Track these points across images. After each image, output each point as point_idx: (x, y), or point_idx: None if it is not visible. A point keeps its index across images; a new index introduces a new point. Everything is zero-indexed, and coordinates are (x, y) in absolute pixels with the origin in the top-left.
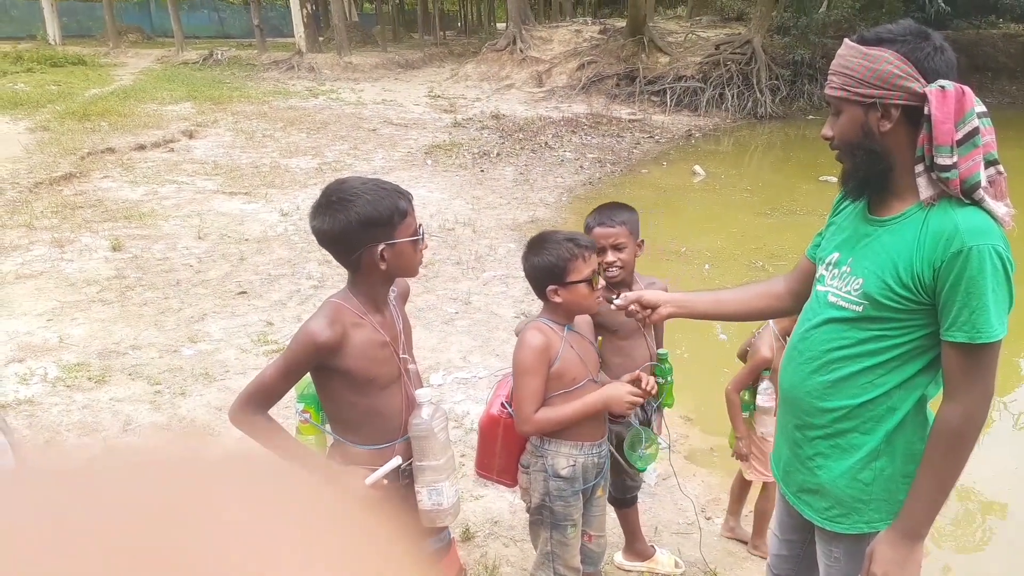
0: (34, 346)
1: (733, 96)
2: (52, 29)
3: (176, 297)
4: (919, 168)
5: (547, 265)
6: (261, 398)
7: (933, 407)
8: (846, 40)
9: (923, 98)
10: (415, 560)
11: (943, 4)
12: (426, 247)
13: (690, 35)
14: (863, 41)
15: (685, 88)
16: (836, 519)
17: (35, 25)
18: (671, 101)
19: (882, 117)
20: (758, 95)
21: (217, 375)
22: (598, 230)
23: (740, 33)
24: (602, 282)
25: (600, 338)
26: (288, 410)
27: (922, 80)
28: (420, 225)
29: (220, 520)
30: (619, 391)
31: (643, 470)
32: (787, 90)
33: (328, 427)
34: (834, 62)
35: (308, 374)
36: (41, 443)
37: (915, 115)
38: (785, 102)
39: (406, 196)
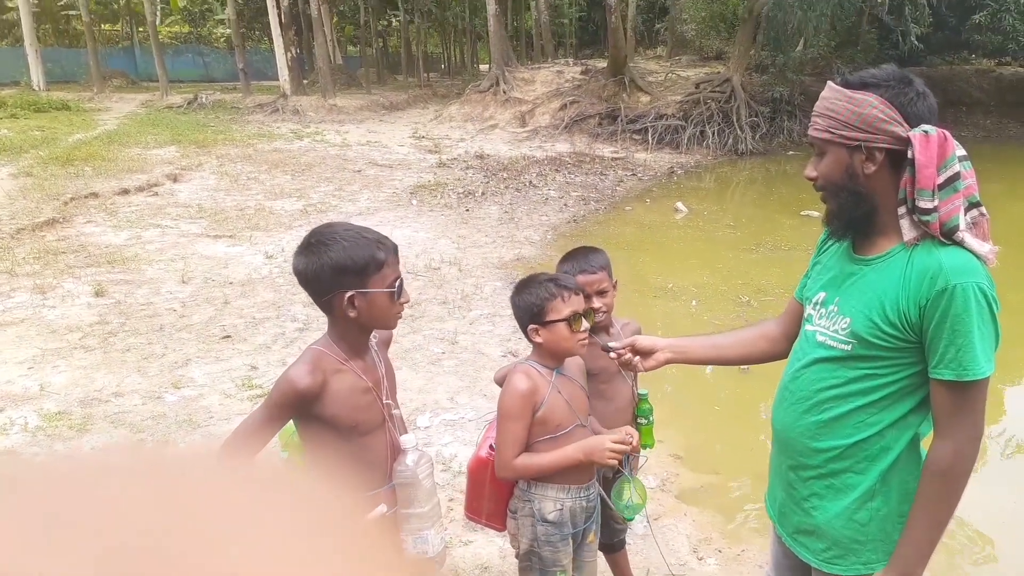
0: (14, 395)
1: (714, 133)
2: (36, 75)
3: (159, 342)
4: (902, 210)
5: (527, 304)
6: (244, 447)
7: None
8: (829, 83)
9: (907, 142)
10: (406, 561)
11: (916, 42)
12: (407, 302)
13: (670, 74)
14: (847, 85)
15: (666, 126)
16: (833, 560)
17: (19, 71)
18: (653, 139)
19: (866, 159)
20: (738, 132)
21: (201, 421)
22: (581, 278)
23: (719, 72)
24: (585, 324)
25: None
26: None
27: (905, 125)
28: (399, 280)
29: (216, 521)
30: (601, 443)
31: (631, 519)
32: (767, 127)
33: None
34: (818, 104)
35: (292, 421)
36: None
37: (898, 158)
38: (765, 138)
39: (388, 248)
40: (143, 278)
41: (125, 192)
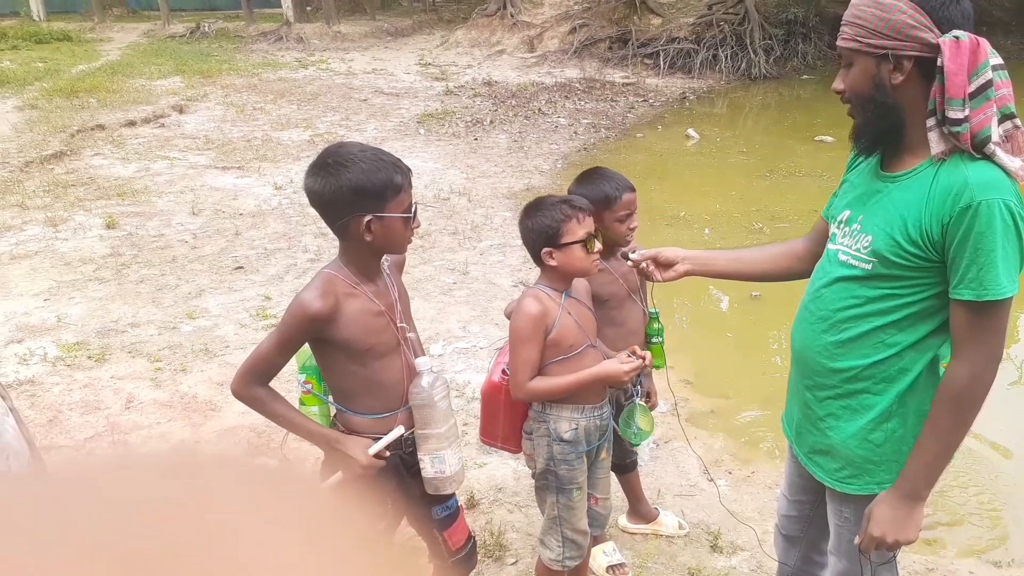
0: (32, 326)
1: (727, 57)
2: (36, 5)
3: (173, 274)
4: (931, 122)
5: (541, 228)
6: (260, 371)
7: None
8: None
9: (936, 49)
10: (398, 560)
11: None
12: (418, 226)
13: None
14: None
15: (678, 50)
16: (847, 480)
17: (18, 1)
18: (664, 64)
19: (894, 69)
20: (752, 56)
21: (217, 351)
22: (628, 195)
23: None
24: (598, 245)
25: None
26: (291, 382)
27: (936, 31)
28: (415, 204)
29: (213, 523)
30: (614, 368)
31: (638, 445)
32: (781, 50)
33: (330, 397)
34: (847, 12)
35: (308, 345)
36: (45, 422)
37: (928, 67)
38: (779, 62)
39: (404, 171)
40: (153, 210)
41: (131, 124)
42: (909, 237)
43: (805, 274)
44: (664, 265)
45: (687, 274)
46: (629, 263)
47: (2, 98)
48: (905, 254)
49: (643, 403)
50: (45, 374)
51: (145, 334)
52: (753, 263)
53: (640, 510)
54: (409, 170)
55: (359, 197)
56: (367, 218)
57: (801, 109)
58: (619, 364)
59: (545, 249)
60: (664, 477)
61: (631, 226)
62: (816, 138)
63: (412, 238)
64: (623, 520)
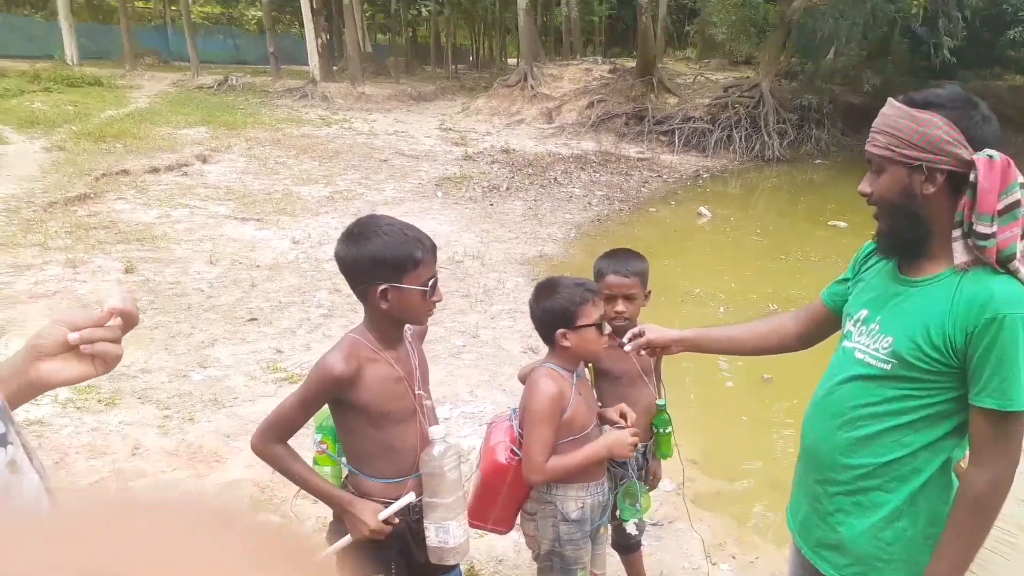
0: None
1: (741, 138)
2: (70, 50)
3: (187, 321)
4: (956, 233)
5: (558, 309)
6: (280, 428)
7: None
8: (891, 100)
9: (969, 165)
10: None
11: (949, 55)
12: (439, 299)
13: (699, 77)
14: (911, 103)
15: (693, 129)
16: None
17: (53, 45)
18: (679, 141)
19: (926, 180)
20: (766, 138)
21: (226, 401)
22: (612, 278)
23: (748, 77)
24: (608, 328)
25: (601, 384)
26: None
27: (969, 147)
28: (433, 278)
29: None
30: (620, 436)
31: (626, 520)
32: (794, 134)
33: (344, 459)
34: (878, 120)
35: (327, 406)
36: (51, 463)
37: (957, 181)
38: (792, 146)
39: (427, 247)
40: (172, 257)
41: (155, 170)
42: (931, 342)
43: (793, 350)
44: (656, 348)
45: (680, 352)
46: (627, 350)
47: (31, 139)
48: (926, 358)
49: (641, 483)
50: (55, 415)
51: (156, 380)
52: (742, 343)
53: None
54: (433, 246)
55: (377, 267)
56: (382, 287)
57: (814, 193)
58: (623, 433)
59: (560, 331)
60: (666, 558)
61: (616, 309)
62: (830, 223)
63: (432, 311)
64: None
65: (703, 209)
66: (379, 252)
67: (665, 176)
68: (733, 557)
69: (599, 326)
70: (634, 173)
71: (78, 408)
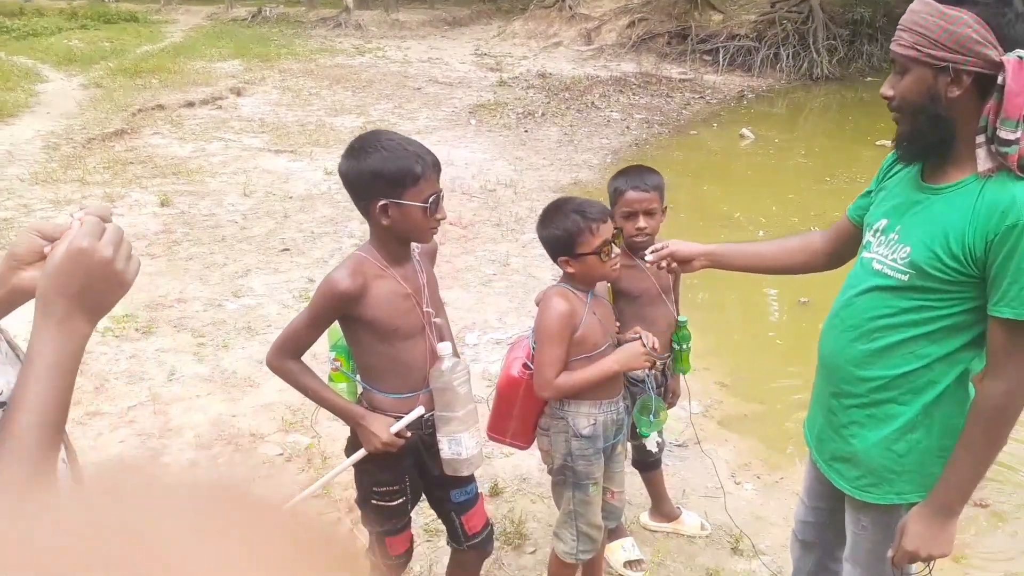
0: None
1: (788, 56)
2: None
3: (221, 252)
4: (980, 139)
5: (555, 237)
6: (292, 345)
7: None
8: None
9: (998, 66)
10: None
11: None
12: (443, 218)
13: None
14: None
15: (739, 47)
16: (867, 488)
17: None
18: (724, 60)
19: (952, 82)
20: (814, 55)
21: (259, 329)
22: (632, 194)
23: None
24: (616, 251)
25: (619, 304)
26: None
27: (999, 48)
28: (435, 195)
29: (169, 550)
30: (634, 350)
31: (645, 435)
32: (845, 51)
33: (358, 376)
34: (905, 17)
35: (339, 324)
36: (91, 389)
37: (985, 83)
38: (843, 63)
39: (427, 162)
40: (206, 190)
41: (190, 105)
42: (950, 251)
43: (821, 269)
44: (681, 261)
45: (703, 268)
46: (646, 264)
47: (69, 76)
48: (944, 268)
49: (658, 397)
50: (94, 343)
51: (191, 310)
52: (770, 258)
53: (662, 508)
54: (436, 162)
55: (377, 182)
56: (382, 202)
57: (864, 112)
58: (634, 345)
59: (561, 258)
60: (690, 478)
61: (638, 226)
62: (878, 143)
63: (435, 228)
64: (644, 517)
65: (746, 131)
66: (378, 167)
67: (708, 97)
68: (758, 477)
69: (600, 253)
70: (675, 95)
71: (116, 336)
